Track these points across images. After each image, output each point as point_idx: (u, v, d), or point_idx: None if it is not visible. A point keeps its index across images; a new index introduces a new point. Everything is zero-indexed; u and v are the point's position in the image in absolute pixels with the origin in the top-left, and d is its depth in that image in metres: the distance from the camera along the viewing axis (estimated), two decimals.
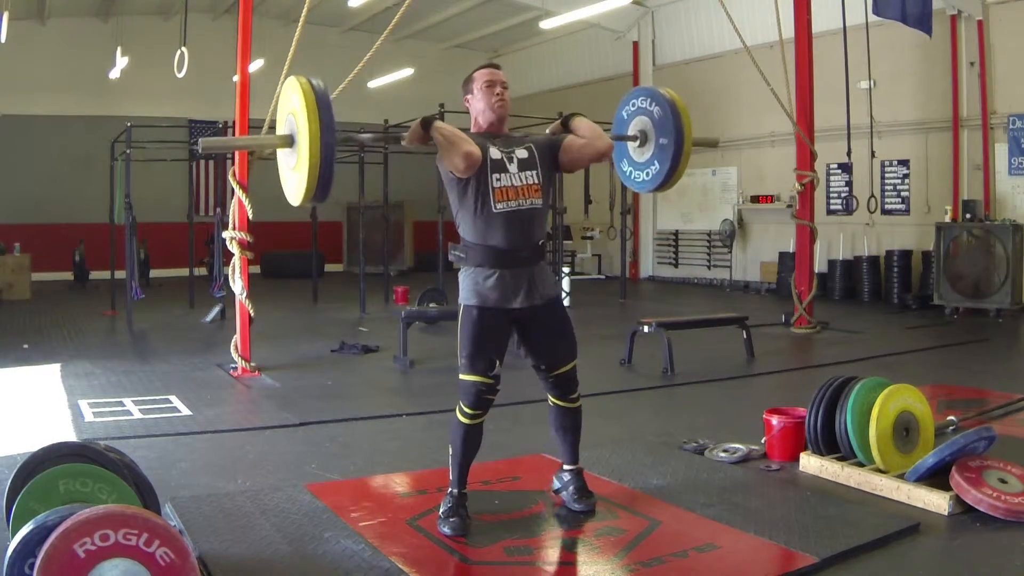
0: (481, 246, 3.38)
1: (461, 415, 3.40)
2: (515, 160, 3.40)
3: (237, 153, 7.08)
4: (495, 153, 3.37)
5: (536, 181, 3.41)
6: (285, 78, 6.65)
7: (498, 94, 3.44)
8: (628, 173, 4.17)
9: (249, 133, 7.12)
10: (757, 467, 4.30)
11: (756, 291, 14.57)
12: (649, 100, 4.00)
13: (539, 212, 3.45)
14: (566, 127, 3.64)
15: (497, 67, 3.55)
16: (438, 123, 3.32)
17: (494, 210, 3.34)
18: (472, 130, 3.52)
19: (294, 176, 3.18)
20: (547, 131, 3.72)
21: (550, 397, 3.63)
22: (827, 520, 3.46)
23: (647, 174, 4.04)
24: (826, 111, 10.86)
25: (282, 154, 3.33)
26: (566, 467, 3.72)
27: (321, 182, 3.03)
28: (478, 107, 3.48)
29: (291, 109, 3.16)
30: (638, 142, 4.03)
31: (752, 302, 12.95)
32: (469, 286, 3.42)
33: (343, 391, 6.51)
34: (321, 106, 3.00)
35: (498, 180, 3.34)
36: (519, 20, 17.71)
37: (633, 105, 4.08)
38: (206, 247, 14.20)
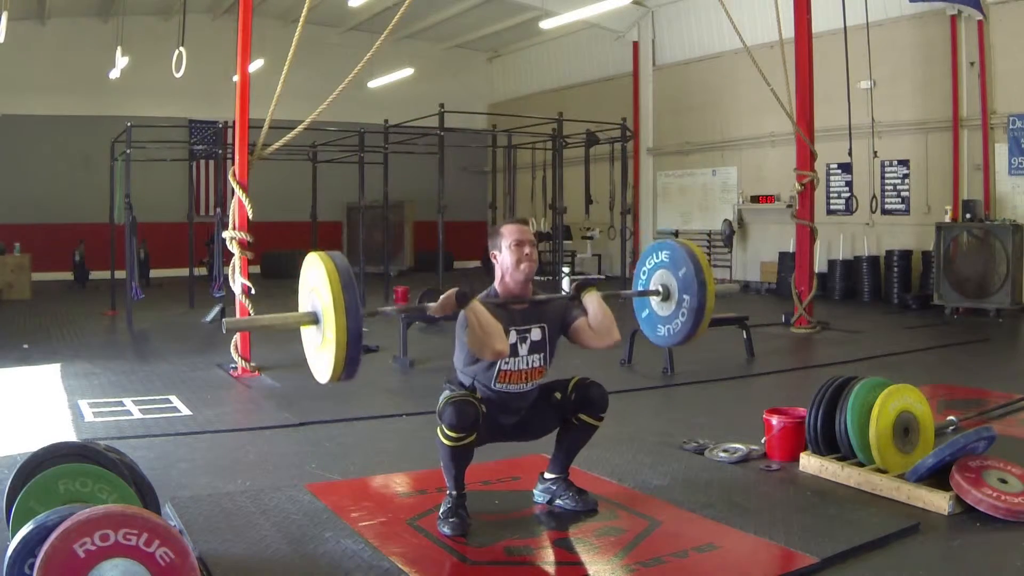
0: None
1: (443, 437, 3.32)
2: (528, 342, 3.45)
3: (237, 153, 7.08)
4: (511, 337, 3.38)
5: (541, 364, 3.49)
6: (285, 78, 6.70)
7: (527, 254, 3.41)
8: (653, 327, 4.03)
9: (249, 133, 7.10)
10: (757, 467, 4.30)
11: (756, 291, 14.57)
12: (669, 255, 3.90)
13: (538, 386, 3.53)
14: (579, 296, 3.56)
15: (525, 223, 3.57)
16: (476, 306, 3.24)
17: (494, 387, 3.42)
18: (497, 287, 3.49)
19: (320, 355, 3.06)
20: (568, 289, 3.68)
21: (581, 416, 3.55)
22: (827, 520, 3.46)
23: (673, 327, 3.90)
24: (826, 111, 10.87)
25: (307, 332, 3.17)
26: (551, 475, 3.70)
27: (348, 363, 2.94)
28: (505, 264, 3.44)
29: (312, 287, 3.04)
30: (660, 296, 3.93)
31: (752, 302, 12.94)
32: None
33: (343, 391, 6.48)
34: (346, 289, 2.89)
35: (506, 364, 3.39)
36: (519, 20, 17.71)
37: (653, 259, 3.98)
38: (206, 247, 14.20)
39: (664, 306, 3.94)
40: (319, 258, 2.99)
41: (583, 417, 3.56)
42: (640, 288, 4.02)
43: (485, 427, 3.39)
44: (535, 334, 3.47)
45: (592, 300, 3.53)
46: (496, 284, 3.51)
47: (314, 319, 3.05)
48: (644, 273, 4.03)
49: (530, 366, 3.45)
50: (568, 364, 3.71)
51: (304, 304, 3.15)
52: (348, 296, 2.89)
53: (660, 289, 3.93)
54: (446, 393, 3.44)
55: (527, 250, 3.42)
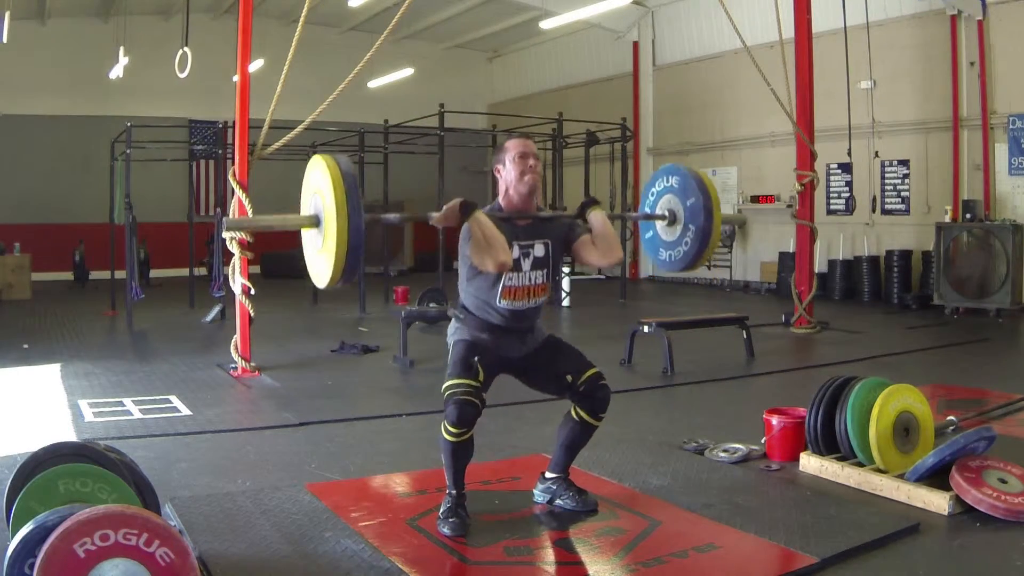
0: (481, 320, 3.45)
1: (446, 432, 3.32)
2: (531, 257, 3.44)
3: (237, 153, 7.08)
4: (514, 251, 3.37)
5: (544, 281, 3.48)
6: (285, 78, 6.70)
7: (531, 166, 3.42)
8: (655, 250, 4.05)
9: (249, 133, 7.11)
10: (757, 467, 4.30)
11: (756, 291, 14.57)
12: (679, 181, 3.90)
13: (541, 304, 3.52)
14: (584, 213, 3.57)
15: (530, 137, 3.56)
16: (479, 216, 3.23)
17: (498, 304, 3.40)
18: (501, 201, 3.49)
19: (320, 257, 3.07)
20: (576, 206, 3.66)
21: (579, 411, 3.55)
22: (827, 520, 3.46)
23: (676, 254, 3.92)
24: (826, 111, 10.87)
25: (307, 235, 3.19)
26: (552, 475, 3.69)
27: (349, 266, 2.96)
28: (509, 178, 3.44)
29: (316, 189, 3.03)
30: (667, 221, 3.94)
31: (752, 302, 12.94)
32: (464, 333, 3.46)
33: (343, 391, 6.51)
34: (349, 189, 2.89)
35: (510, 279, 3.38)
36: (519, 20, 17.72)
37: (663, 183, 3.99)
38: (206, 247, 14.20)
39: (669, 231, 3.95)
40: (324, 161, 2.97)
41: (582, 414, 3.55)
42: (647, 210, 4.03)
43: (489, 364, 3.40)
44: (538, 250, 3.46)
45: (597, 216, 3.55)
46: (500, 199, 3.51)
47: (315, 222, 3.05)
48: (652, 195, 4.03)
49: (533, 282, 3.44)
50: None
51: (306, 207, 3.15)
52: (351, 200, 2.89)
53: (666, 214, 3.93)
54: (455, 335, 3.48)
55: (531, 162, 3.42)
